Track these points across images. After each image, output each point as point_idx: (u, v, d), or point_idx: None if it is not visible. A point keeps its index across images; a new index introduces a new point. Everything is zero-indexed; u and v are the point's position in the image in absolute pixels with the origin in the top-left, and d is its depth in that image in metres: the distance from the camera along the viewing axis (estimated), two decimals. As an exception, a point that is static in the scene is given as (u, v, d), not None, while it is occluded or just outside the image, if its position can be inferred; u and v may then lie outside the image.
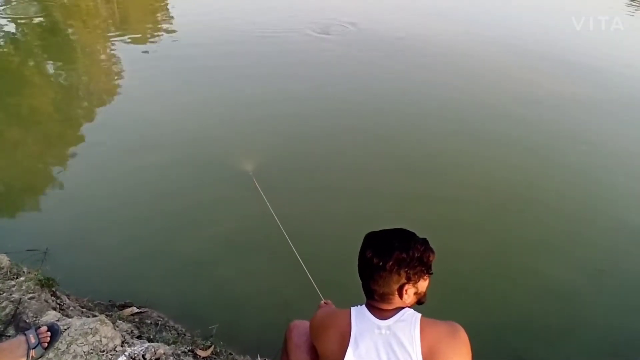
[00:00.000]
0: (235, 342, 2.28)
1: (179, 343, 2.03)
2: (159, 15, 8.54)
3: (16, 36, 6.56)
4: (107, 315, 2.15)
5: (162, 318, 2.41)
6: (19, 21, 7.08)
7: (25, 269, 2.19)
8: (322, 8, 9.26)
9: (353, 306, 1.28)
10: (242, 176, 3.50)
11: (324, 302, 1.79)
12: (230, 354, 2.17)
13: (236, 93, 5.12)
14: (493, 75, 6.36)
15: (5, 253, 2.32)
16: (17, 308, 1.83)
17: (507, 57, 7.13)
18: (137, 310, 2.41)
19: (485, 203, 3.63)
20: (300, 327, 1.51)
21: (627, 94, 6.09)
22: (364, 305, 1.26)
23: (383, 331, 1.17)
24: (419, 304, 1.27)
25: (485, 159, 4.23)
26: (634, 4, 11.67)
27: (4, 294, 1.90)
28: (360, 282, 1.30)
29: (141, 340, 1.94)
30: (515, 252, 3.17)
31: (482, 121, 4.92)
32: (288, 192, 3.45)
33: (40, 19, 7.32)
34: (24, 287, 1.97)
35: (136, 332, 2.11)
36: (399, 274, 1.18)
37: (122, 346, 1.77)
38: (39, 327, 1.64)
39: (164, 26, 7.70)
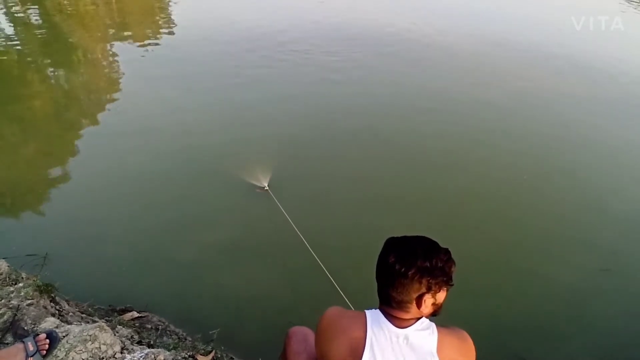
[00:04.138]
0: (236, 346, 2.27)
1: (179, 348, 2.01)
2: (159, 17, 8.53)
3: (16, 39, 6.56)
4: (107, 321, 2.13)
5: (162, 322, 2.39)
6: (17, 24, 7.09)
7: (24, 275, 2.17)
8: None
9: (367, 309, 1.22)
10: (244, 183, 3.49)
11: None
12: (232, 358, 2.15)
13: (240, 99, 5.08)
14: (495, 76, 6.35)
15: (4, 258, 2.30)
16: (15, 315, 1.80)
17: (508, 57, 7.12)
18: (137, 315, 2.40)
19: (488, 204, 3.62)
20: (300, 333, 1.48)
21: (629, 93, 6.07)
22: (379, 310, 1.20)
23: (401, 340, 1.13)
24: (434, 315, 1.22)
25: (488, 160, 4.21)
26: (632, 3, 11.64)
27: (2, 301, 1.88)
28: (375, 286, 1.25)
29: (141, 346, 1.93)
30: (518, 253, 3.16)
31: (486, 123, 4.89)
32: (299, 199, 3.43)
33: (40, 21, 7.33)
34: (22, 294, 1.94)
35: (136, 337, 2.09)
36: (420, 283, 1.12)
37: (121, 353, 1.75)
38: (38, 335, 1.62)
39: (164, 28, 7.68)
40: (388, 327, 1.15)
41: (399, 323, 1.16)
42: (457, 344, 1.17)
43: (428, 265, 1.12)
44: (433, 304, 1.16)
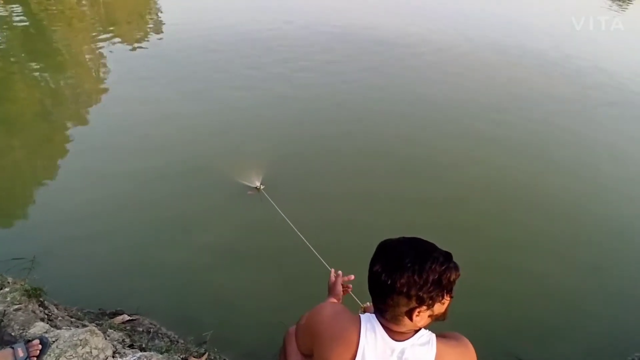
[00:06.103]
0: (229, 348, 2.25)
1: (172, 351, 1.99)
2: (148, 16, 8.40)
3: (0, 41, 6.40)
4: (97, 325, 2.10)
5: (154, 325, 2.36)
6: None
7: (10, 279, 2.12)
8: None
9: (363, 313, 1.14)
10: (237, 185, 3.46)
11: (335, 273, 1.63)
12: (225, 360, 2.14)
13: (232, 98, 5.04)
14: (493, 77, 6.39)
15: (-11, 263, 2.25)
16: (2, 321, 1.76)
17: (508, 58, 7.17)
18: (128, 318, 2.36)
19: (482, 204, 3.65)
20: None
21: (628, 94, 6.18)
22: (375, 318, 1.10)
23: (396, 355, 1.06)
24: (438, 320, 1.10)
25: (484, 161, 4.24)
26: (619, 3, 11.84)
27: (-13, 307, 1.84)
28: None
29: (133, 350, 1.90)
30: (513, 253, 3.18)
31: (483, 123, 4.92)
32: (293, 199, 3.40)
33: (25, 22, 7.17)
34: (8, 299, 1.90)
35: (128, 341, 2.06)
36: (409, 298, 1.00)
37: (113, 357, 1.72)
38: (30, 341, 1.59)
39: (153, 27, 7.58)
40: (384, 337, 1.07)
41: (395, 336, 1.07)
42: (458, 359, 1.09)
43: (416, 279, 0.98)
44: (430, 316, 1.05)
